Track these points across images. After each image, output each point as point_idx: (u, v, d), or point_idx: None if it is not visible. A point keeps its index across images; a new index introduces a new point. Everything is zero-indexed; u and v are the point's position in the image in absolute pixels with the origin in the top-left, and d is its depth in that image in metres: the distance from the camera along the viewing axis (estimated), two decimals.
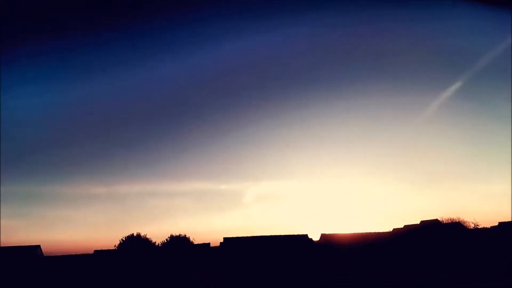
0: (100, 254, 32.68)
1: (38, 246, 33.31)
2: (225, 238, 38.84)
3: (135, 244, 34.22)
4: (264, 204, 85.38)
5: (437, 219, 41.32)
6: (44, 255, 33.48)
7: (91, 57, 74.52)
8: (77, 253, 33.63)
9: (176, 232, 36.66)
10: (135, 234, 34.72)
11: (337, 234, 39.53)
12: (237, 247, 36.30)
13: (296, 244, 36.06)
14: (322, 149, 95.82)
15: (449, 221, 40.38)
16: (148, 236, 35.46)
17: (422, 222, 42.36)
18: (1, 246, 32.32)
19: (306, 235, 38.56)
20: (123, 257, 31.58)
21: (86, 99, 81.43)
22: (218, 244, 39.04)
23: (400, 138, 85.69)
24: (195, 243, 36.72)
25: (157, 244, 35.50)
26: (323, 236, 39.14)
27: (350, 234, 40.09)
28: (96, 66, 79.46)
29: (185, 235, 36.35)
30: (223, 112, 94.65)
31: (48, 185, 71.92)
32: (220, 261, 33.12)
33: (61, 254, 33.92)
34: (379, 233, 40.16)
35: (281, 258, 32.12)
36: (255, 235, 39.08)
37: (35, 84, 72.58)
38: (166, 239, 35.63)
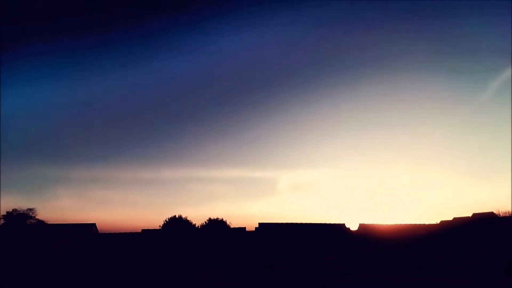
0: (147, 233, 35.36)
1: (94, 224, 36.95)
2: (260, 224, 39.50)
3: (177, 225, 36.43)
4: (298, 192, 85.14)
5: (492, 212, 37.40)
6: (99, 232, 37.14)
7: (135, 50, 78.83)
8: (127, 231, 36.84)
9: (214, 216, 38.29)
10: (177, 216, 36.94)
11: (377, 224, 37.92)
12: (272, 233, 36.70)
13: (333, 233, 35.40)
14: (365, 136, 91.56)
15: (508, 215, 36.39)
16: (188, 218, 37.50)
17: (474, 214, 38.67)
18: (62, 223, 36.50)
19: (343, 224, 37.61)
20: (167, 236, 33.88)
21: (130, 92, 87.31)
22: (253, 229, 39.96)
23: (455, 122, 77.95)
24: (231, 226, 38.02)
25: (197, 226, 37.43)
26: (361, 226, 37.82)
27: (391, 225, 38.22)
28: (138, 59, 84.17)
29: (222, 219, 37.78)
30: (259, 101, 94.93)
31: (102, 170, 79.78)
32: (255, 245, 33.91)
33: (113, 232, 37.40)
34: (424, 225, 37.65)
35: (316, 246, 31.86)
36: (289, 222, 39.13)
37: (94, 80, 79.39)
38: (205, 222, 37.38)
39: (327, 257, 27.85)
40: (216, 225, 36.89)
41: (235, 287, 13.51)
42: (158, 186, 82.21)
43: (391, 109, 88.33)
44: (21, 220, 33.92)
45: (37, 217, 35.28)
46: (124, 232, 36.52)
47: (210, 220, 37.48)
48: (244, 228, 37.62)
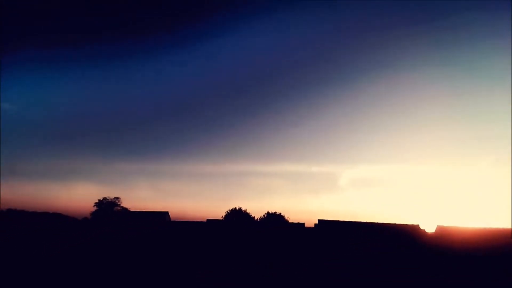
0: (211, 223, 37.65)
1: (167, 213, 41.07)
2: (320, 220, 38.23)
3: (237, 216, 37.92)
4: (362, 189, 79.83)
5: None
6: (171, 220, 41.09)
7: (197, 47, 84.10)
8: (193, 220, 39.91)
9: (271, 210, 38.63)
10: (237, 208, 38.44)
11: (457, 227, 32.90)
12: (333, 231, 35.13)
13: (405, 235, 31.99)
14: (442, 129, 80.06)
15: None
16: (248, 211, 38.65)
17: None
18: (141, 210, 41.49)
19: (417, 225, 33.65)
20: (229, 227, 35.55)
21: (194, 91, 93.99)
22: (313, 225, 38.89)
23: None
24: (289, 221, 37.77)
25: (256, 218, 38.33)
26: (440, 228, 33.26)
27: (474, 228, 32.73)
28: (200, 56, 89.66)
29: (280, 213, 37.84)
30: (319, 94, 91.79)
31: (172, 165, 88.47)
32: (315, 242, 32.85)
33: (182, 220, 40.88)
34: None
35: (384, 249, 29.15)
36: (352, 220, 36.86)
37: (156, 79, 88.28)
38: (264, 215, 38.00)
39: (397, 260, 25.21)
40: (274, 219, 37.10)
41: (294, 281, 13.14)
42: (219, 179, 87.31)
43: (472, 97, 75.05)
44: (109, 207, 39.90)
45: (122, 204, 41.07)
46: (191, 220, 39.64)
47: (268, 213, 37.91)
48: (303, 224, 36.91)
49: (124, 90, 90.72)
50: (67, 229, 32.84)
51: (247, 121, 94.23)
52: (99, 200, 40.51)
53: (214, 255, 23.49)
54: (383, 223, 34.42)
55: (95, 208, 40.29)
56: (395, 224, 34.15)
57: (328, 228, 35.75)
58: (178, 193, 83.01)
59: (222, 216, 38.76)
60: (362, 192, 78.25)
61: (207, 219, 38.32)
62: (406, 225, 33.85)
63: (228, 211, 38.65)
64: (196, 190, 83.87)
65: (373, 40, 79.41)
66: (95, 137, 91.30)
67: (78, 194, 77.27)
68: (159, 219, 39.37)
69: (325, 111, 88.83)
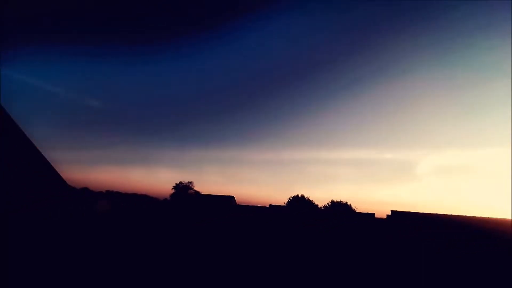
0: (274, 208, 38.33)
1: (233, 197, 43.62)
2: (393, 212, 34.82)
3: (300, 203, 37.58)
4: (444, 177, 69.14)
5: None
6: (237, 204, 43.50)
7: (256, 40, 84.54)
8: (257, 205, 41.35)
9: (336, 198, 36.90)
10: (299, 195, 38.07)
11: None
12: (408, 223, 31.54)
13: (494, 230, 26.47)
14: None
15: None
16: (311, 198, 37.89)
17: None
18: (211, 194, 44.98)
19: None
20: (292, 213, 35.57)
21: (254, 80, 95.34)
22: (384, 216, 35.75)
23: None
24: (357, 211, 35.52)
25: (319, 206, 37.33)
26: None
27: None
28: (258, 47, 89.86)
29: (346, 202, 35.87)
30: (391, 69, 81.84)
31: (237, 152, 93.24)
32: (387, 234, 30.13)
33: (247, 204, 42.80)
34: None
35: (469, 246, 24.72)
36: (432, 212, 32.30)
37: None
38: (328, 204, 36.67)
39: (485, 263, 21.12)
40: (340, 208, 35.39)
41: (363, 274, 12.14)
42: (280, 166, 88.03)
43: None
44: (184, 190, 44.63)
45: (194, 188, 45.50)
46: (254, 205, 41.18)
47: (333, 202, 36.37)
48: (373, 214, 34.22)
49: (194, 85, 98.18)
50: (152, 209, 38.05)
51: (311, 106, 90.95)
52: (176, 184, 45.89)
53: (279, 240, 23.83)
54: (469, 217, 29.20)
55: (173, 190, 45.79)
56: (483, 217, 28.58)
57: (403, 220, 32.24)
58: (242, 178, 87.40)
59: (284, 203, 39.05)
60: (444, 181, 67.74)
61: (270, 205, 39.12)
62: (497, 219, 27.95)
63: (291, 198, 38.63)
64: (259, 176, 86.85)
65: None
66: (172, 128, 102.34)
67: (159, 178, 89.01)
68: (226, 203, 42.12)
69: (398, 89, 78.20)
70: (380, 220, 34.52)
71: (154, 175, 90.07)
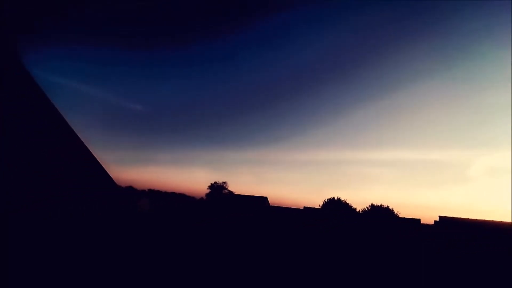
0: (308, 211, 37.47)
1: (266, 198, 43.59)
2: (441, 217, 32.01)
3: (336, 206, 36.21)
4: (503, 180, 61.66)
5: None
6: (270, 205, 43.35)
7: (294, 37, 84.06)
8: (290, 206, 40.79)
9: (376, 202, 34.93)
10: (336, 198, 36.70)
11: None
12: (458, 231, 28.69)
13: None
14: None
15: None
16: (348, 202, 36.31)
17: None
18: (244, 194, 45.43)
19: None
20: (327, 217, 34.45)
21: (285, 81, 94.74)
22: (431, 222, 32.99)
23: None
24: (400, 216, 33.22)
25: (357, 210, 35.61)
26: None
27: None
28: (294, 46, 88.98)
29: (387, 206, 33.73)
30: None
31: (267, 152, 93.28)
32: (434, 242, 27.66)
33: (280, 206, 42.45)
34: None
35: None
36: (487, 219, 29.06)
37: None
38: (367, 207, 34.80)
39: None
40: (380, 212, 33.39)
41: (407, 284, 11.20)
42: (314, 167, 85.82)
43: None
44: (219, 190, 45.73)
45: (228, 188, 46.41)
46: (286, 206, 40.66)
47: (373, 206, 34.44)
48: (419, 220, 31.74)
49: (229, 87, 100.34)
50: (189, 208, 39.56)
51: (347, 104, 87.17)
52: (211, 183, 47.27)
53: (314, 244, 23.17)
54: None
55: (209, 190, 47.21)
56: None
57: (452, 227, 29.43)
58: (275, 179, 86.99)
59: (319, 205, 37.95)
60: (500, 184, 60.25)
61: (304, 207, 38.31)
62: None
63: (326, 200, 37.42)
64: (292, 177, 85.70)
65: None
66: (207, 130, 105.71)
67: (196, 178, 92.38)
68: (260, 203, 42.20)
69: (447, 81, 71.13)
70: (427, 226, 31.89)
71: (190, 175, 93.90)
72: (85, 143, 12.94)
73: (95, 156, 13.19)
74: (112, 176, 14.05)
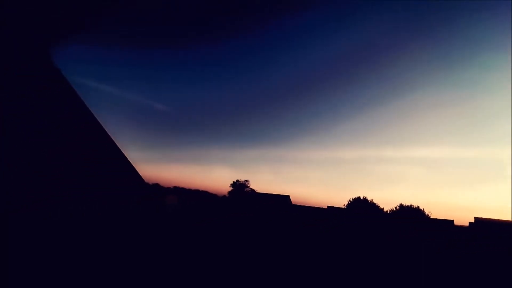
0: (332, 210, 36.72)
1: (288, 196, 43.38)
2: (477, 219, 29.95)
3: (362, 206, 35.10)
4: None
5: None
6: (292, 203, 43.05)
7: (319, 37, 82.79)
8: (313, 205, 40.21)
9: (404, 202, 33.41)
10: (362, 197, 35.57)
11: None
12: (495, 233, 26.71)
13: None
14: None
15: None
16: (375, 201, 35.06)
17: None
18: (266, 193, 45.49)
19: None
20: (353, 217, 33.51)
21: (307, 80, 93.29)
22: (466, 224, 30.98)
23: None
24: (431, 217, 31.52)
25: (385, 210, 34.30)
26: None
27: None
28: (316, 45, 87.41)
29: (418, 207, 32.13)
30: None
31: (289, 150, 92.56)
32: (469, 245, 25.93)
33: (303, 205, 42.01)
34: None
35: None
36: None
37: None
38: (395, 208, 33.39)
39: None
40: (410, 213, 31.89)
41: None
42: (337, 165, 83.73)
43: None
44: (241, 188, 46.16)
45: (250, 186, 46.71)
46: (312, 206, 40.10)
47: (401, 206, 32.97)
48: (452, 221, 29.95)
49: (249, 87, 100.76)
50: (213, 205, 40.38)
51: (374, 101, 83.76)
52: (233, 181, 47.84)
53: (339, 245, 22.66)
54: None
55: (231, 188, 47.83)
56: None
57: (489, 229, 27.40)
58: (297, 178, 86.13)
59: (344, 205, 36.99)
60: None
61: (328, 206, 37.57)
62: None
63: (351, 200, 36.38)
64: (315, 176, 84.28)
65: None
66: (229, 128, 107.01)
67: (218, 176, 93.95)
68: (282, 202, 42.07)
69: (477, 78, 66.05)
70: (461, 228, 30.01)
71: (213, 173, 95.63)
72: (116, 142, 13.60)
73: (124, 154, 13.84)
74: (140, 174, 14.68)
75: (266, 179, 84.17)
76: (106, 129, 13.16)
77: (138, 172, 14.68)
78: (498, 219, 30.13)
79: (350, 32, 78.45)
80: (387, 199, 76.72)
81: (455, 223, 30.18)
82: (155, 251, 8.83)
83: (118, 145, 13.51)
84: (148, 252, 8.57)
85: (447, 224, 29.17)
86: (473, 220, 30.23)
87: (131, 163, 14.27)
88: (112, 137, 13.45)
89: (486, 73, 64.62)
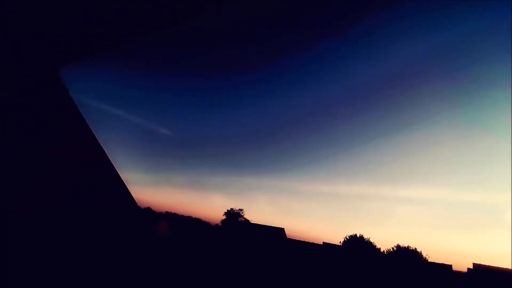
0: (328, 246, 35.58)
1: (283, 229, 42.19)
2: (475, 265, 29.06)
3: (358, 244, 34.16)
4: None
5: None
6: (287, 236, 41.77)
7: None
8: (308, 240, 39.00)
9: (402, 242, 32.56)
10: (358, 235, 34.74)
11: None
12: (495, 281, 25.82)
13: None
14: None
15: None
16: (371, 240, 34.19)
17: None
18: (260, 224, 44.35)
19: None
20: (348, 255, 32.42)
21: (304, 110, 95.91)
22: (464, 270, 29.98)
23: None
24: (429, 260, 30.56)
25: (382, 250, 33.31)
26: None
27: None
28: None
29: (415, 249, 31.28)
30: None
31: (288, 181, 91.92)
32: None
33: (297, 239, 40.76)
34: None
35: None
36: None
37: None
38: (392, 248, 32.47)
39: None
40: (407, 254, 30.97)
41: None
42: (335, 200, 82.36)
43: None
44: (235, 217, 45.06)
45: (245, 216, 45.59)
46: (305, 240, 38.90)
47: (398, 247, 32.11)
48: (450, 266, 28.97)
49: (245, 114, 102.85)
50: (205, 233, 39.14)
51: (373, 138, 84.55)
52: (227, 210, 46.76)
53: (333, 284, 21.71)
54: None
55: (225, 217, 46.60)
56: None
57: (488, 277, 26.46)
58: (293, 210, 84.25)
59: (340, 242, 35.99)
60: None
61: (323, 242, 36.48)
62: None
63: (348, 237, 35.49)
64: (311, 209, 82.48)
65: None
66: (228, 156, 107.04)
67: (213, 203, 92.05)
68: (276, 235, 40.83)
69: (479, 119, 67.13)
70: (459, 274, 28.92)
71: (208, 200, 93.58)
72: (112, 162, 13.62)
73: (119, 175, 13.78)
74: (134, 197, 14.48)
75: (262, 209, 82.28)
76: (104, 148, 13.24)
77: (132, 194, 14.49)
78: (497, 267, 29.26)
79: (351, 68, 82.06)
80: (384, 238, 74.49)
81: (454, 268, 29.21)
82: (141, 282, 8.46)
83: (114, 165, 13.49)
84: (133, 282, 8.22)
85: (445, 268, 28.20)
86: (471, 266, 29.31)
87: (125, 184, 14.14)
88: (110, 157, 13.47)
89: (490, 112, 65.20)
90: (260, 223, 44.72)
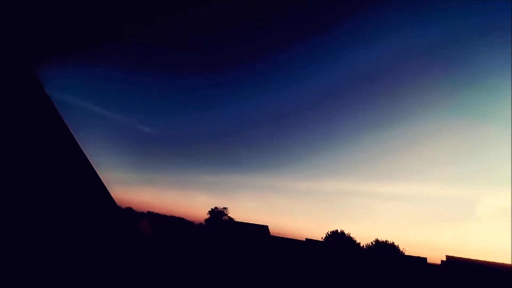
0: (311, 243, 36.27)
1: (266, 226, 42.51)
2: (448, 257, 30.65)
3: (339, 240, 35.07)
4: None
5: None
6: (271, 234, 42.14)
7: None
8: (291, 237, 39.58)
9: (380, 237, 33.82)
10: (339, 231, 35.67)
11: None
12: (467, 272, 27.33)
13: None
14: None
15: None
16: (351, 235, 35.21)
17: None
18: (244, 222, 44.43)
19: None
20: (330, 250, 33.25)
21: (292, 107, 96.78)
22: (438, 262, 31.56)
23: None
24: (405, 253, 31.92)
25: (361, 245, 34.40)
26: None
27: None
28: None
29: (393, 243, 32.57)
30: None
31: (270, 179, 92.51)
32: (441, 283, 26.31)
33: (281, 236, 41.23)
34: None
35: None
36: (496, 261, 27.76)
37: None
38: (372, 243, 33.63)
39: None
40: (385, 249, 32.18)
41: None
42: (318, 197, 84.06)
43: None
44: (219, 215, 44.89)
45: (229, 214, 45.53)
46: (289, 237, 39.46)
47: (377, 241, 33.30)
48: (425, 259, 30.41)
49: (228, 113, 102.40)
50: (189, 233, 38.70)
51: (355, 135, 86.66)
52: (211, 209, 46.48)
53: (316, 279, 22.20)
54: None
55: (209, 215, 46.31)
56: None
57: (460, 268, 28.01)
58: (276, 207, 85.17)
59: (322, 238, 36.83)
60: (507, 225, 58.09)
61: (306, 239, 37.17)
62: None
63: (329, 233, 36.37)
64: (294, 206, 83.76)
65: None
66: (212, 154, 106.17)
67: (196, 202, 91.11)
68: (260, 232, 41.10)
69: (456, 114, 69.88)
70: (433, 266, 30.43)
71: (191, 198, 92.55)
72: (90, 161, 13.15)
73: (97, 173, 13.35)
74: (113, 196, 14.07)
75: (246, 207, 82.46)
76: (81, 146, 12.75)
77: (111, 194, 14.08)
78: (469, 258, 30.91)
79: (336, 65, 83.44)
80: (364, 233, 77.03)
81: (428, 260, 30.65)
82: (125, 282, 8.27)
83: (91, 164, 13.05)
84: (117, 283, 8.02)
85: (420, 261, 29.56)
86: (444, 258, 30.86)
87: (104, 184, 13.72)
88: (87, 155, 13.01)
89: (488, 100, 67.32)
90: (244, 221, 44.79)
